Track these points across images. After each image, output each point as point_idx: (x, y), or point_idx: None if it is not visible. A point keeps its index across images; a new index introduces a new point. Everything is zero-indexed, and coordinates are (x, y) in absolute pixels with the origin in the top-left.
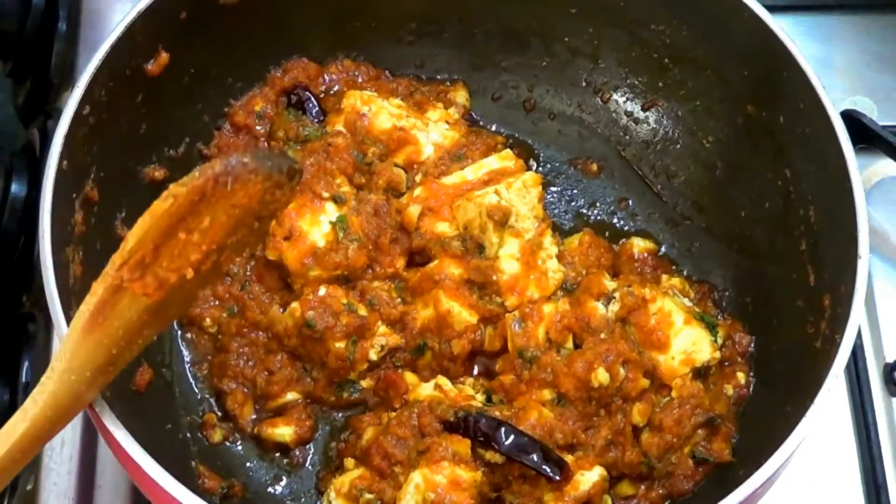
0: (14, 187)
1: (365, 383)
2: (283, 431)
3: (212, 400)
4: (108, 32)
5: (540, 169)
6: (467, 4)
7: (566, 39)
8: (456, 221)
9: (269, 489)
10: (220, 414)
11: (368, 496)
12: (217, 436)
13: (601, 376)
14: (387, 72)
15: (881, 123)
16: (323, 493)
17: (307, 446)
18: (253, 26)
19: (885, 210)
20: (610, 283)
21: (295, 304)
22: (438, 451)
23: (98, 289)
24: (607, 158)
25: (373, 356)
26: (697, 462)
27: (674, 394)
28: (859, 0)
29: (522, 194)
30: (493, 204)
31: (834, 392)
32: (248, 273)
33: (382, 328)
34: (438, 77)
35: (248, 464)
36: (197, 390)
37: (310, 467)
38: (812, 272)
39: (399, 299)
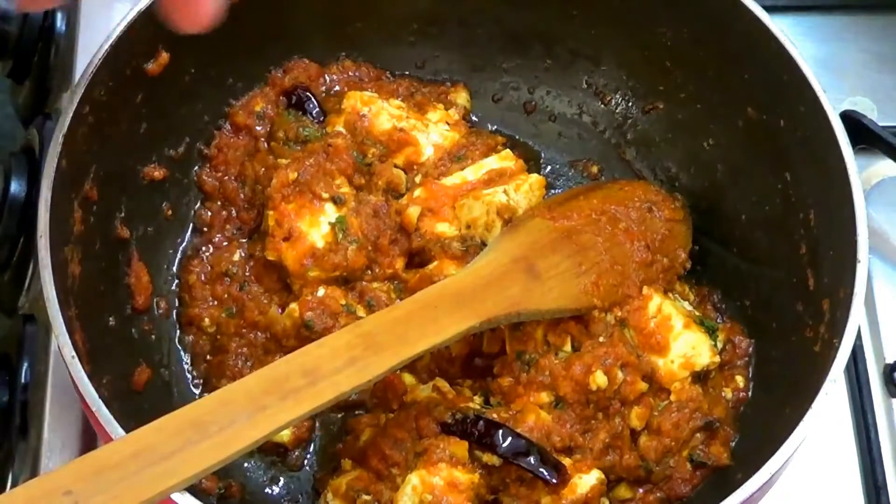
0: (13, 187)
1: None
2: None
3: None
4: (108, 32)
5: (540, 171)
6: (469, 6)
7: (567, 42)
8: (457, 221)
9: (267, 489)
10: None
11: (366, 497)
12: None
13: (599, 379)
14: (388, 73)
15: (881, 124)
16: (320, 493)
17: (305, 447)
18: (254, 26)
19: (884, 211)
20: None
21: (293, 305)
22: (436, 452)
23: None
24: (608, 160)
25: None
26: (696, 465)
27: (672, 397)
28: (859, 0)
29: (529, 197)
30: (503, 203)
31: (833, 395)
32: (247, 273)
33: None
34: (439, 78)
35: (245, 464)
36: (195, 390)
37: (307, 468)
38: (811, 276)
39: (398, 300)
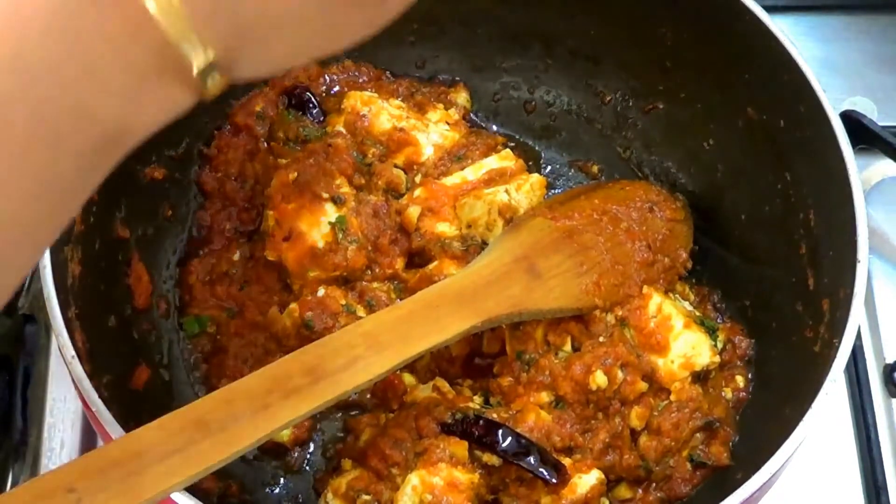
0: None
1: None
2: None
3: None
4: None
5: (540, 171)
6: (468, 6)
7: (567, 42)
8: (458, 221)
9: (267, 490)
10: None
11: (365, 497)
12: None
13: (599, 379)
14: (388, 72)
15: (881, 124)
16: (320, 493)
17: (305, 447)
18: None
19: (885, 211)
20: None
21: (293, 305)
22: (436, 452)
23: None
24: (608, 160)
25: None
26: (695, 465)
27: (672, 398)
28: (859, 0)
29: (531, 197)
30: (505, 202)
31: (833, 395)
32: (247, 273)
33: None
34: (439, 78)
35: (245, 464)
36: (195, 390)
37: (307, 468)
38: (811, 276)
39: (398, 300)
